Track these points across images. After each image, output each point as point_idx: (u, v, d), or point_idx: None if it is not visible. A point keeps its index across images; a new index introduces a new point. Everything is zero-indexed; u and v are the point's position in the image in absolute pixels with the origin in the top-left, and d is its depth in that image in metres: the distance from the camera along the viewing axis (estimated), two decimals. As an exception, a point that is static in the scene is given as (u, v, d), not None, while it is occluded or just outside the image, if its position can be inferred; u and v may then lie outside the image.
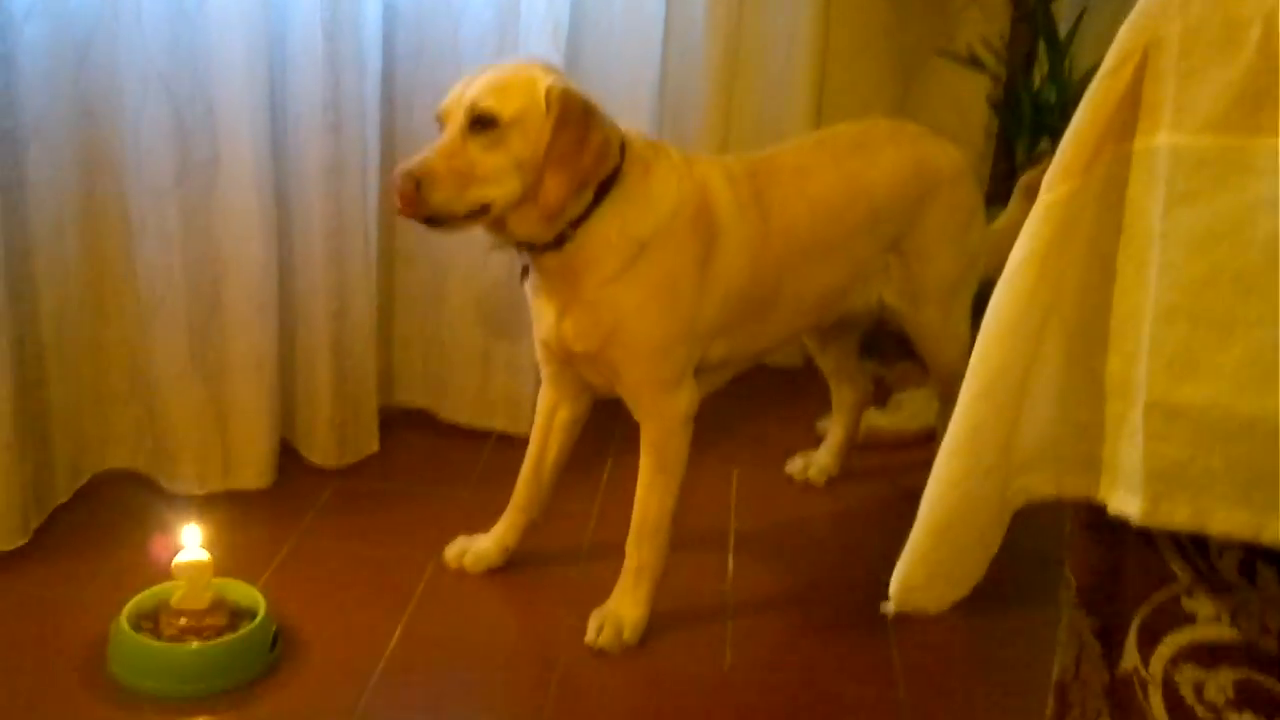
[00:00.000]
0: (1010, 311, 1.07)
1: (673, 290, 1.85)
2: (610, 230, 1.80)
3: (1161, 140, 1.02)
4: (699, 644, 1.95)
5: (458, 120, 1.73)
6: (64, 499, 2.20)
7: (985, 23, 3.07)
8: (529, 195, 1.74)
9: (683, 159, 1.91)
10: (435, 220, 1.72)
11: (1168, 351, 1.01)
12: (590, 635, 1.91)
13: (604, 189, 1.80)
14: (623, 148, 1.82)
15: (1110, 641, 1.15)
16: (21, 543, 2.05)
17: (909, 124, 2.22)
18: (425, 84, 2.45)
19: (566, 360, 1.94)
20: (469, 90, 1.74)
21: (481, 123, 1.72)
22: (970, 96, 3.09)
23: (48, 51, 2.02)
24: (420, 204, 1.69)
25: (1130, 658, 1.14)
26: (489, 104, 1.72)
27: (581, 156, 1.73)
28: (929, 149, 2.17)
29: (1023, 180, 2.34)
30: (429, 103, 2.43)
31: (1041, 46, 2.96)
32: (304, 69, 2.22)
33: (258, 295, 2.25)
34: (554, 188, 1.71)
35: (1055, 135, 2.86)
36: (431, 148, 1.73)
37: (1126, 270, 1.06)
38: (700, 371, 1.96)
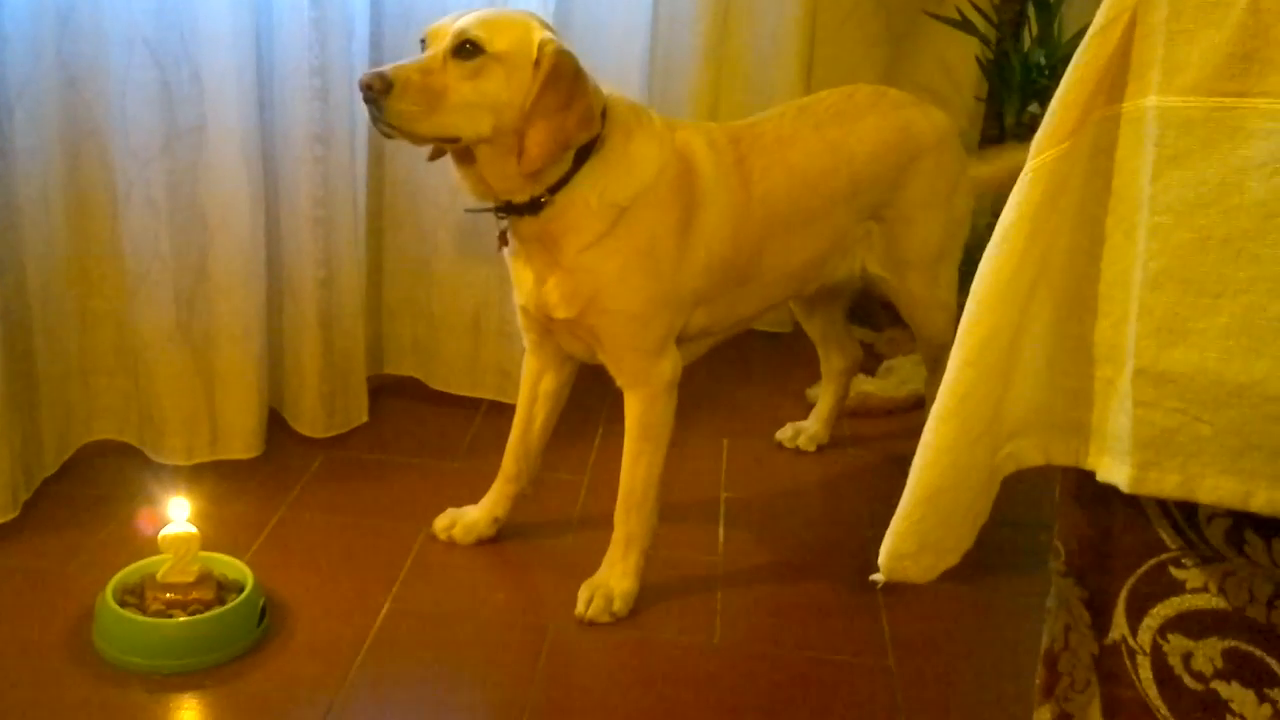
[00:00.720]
0: (998, 276, 1.05)
1: (653, 256, 1.83)
2: (590, 196, 1.79)
3: (1150, 102, 1.01)
4: (689, 615, 1.95)
5: (443, 42, 1.70)
6: (51, 471, 2.19)
7: (974, -16, 3.05)
8: (504, 142, 1.72)
9: (664, 124, 1.89)
10: (392, 128, 1.68)
11: (1156, 317, 1.00)
12: (580, 607, 1.91)
13: (583, 155, 1.78)
14: (604, 113, 1.80)
15: (1099, 611, 1.15)
16: (10, 516, 2.03)
17: (891, 90, 2.19)
18: (413, 48, 2.41)
19: (546, 327, 1.94)
20: (463, 18, 1.72)
21: (466, 49, 1.69)
22: (959, 59, 3.07)
23: (30, 16, 1.99)
24: (380, 108, 1.65)
25: (1119, 627, 1.13)
26: (478, 32, 1.69)
27: (567, 117, 1.71)
28: (912, 115, 2.15)
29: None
30: (416, 69, 2.43)
31: (1031, 8, 2.93)
32: (291, 34, 2.19)
33: (245, 264, 2.23)
34: (536, 142, 1.69)
35: (1045, 98, 2.85)
36: (409, 60, 1.70)
37: (1115, 234, 1.05)
38: (681, 340, 1.95)
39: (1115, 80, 1.03)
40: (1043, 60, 2.85)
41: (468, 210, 1.90)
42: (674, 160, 1.85)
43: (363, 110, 2.29)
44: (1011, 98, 2.90)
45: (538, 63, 1.71)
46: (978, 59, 3.00)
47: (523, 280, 1.89)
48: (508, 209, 1.81)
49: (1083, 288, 1.08)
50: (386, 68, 1.68)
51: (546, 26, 1.78)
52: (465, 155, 1.77)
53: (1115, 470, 1.05)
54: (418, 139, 1.73)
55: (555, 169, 1.76)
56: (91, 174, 2.14)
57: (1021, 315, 1.08)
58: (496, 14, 1.77)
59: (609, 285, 1.82)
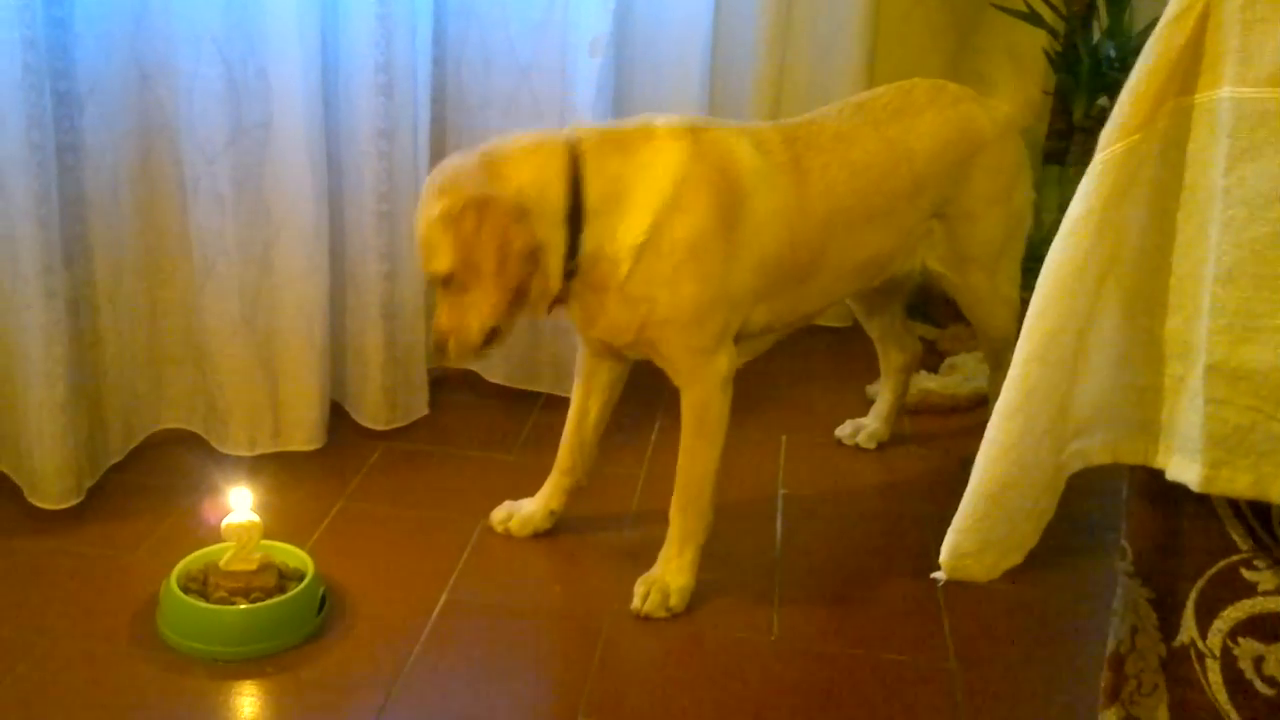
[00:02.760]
0: (1066, 271, 1.04)
1: (698, 261, 1.82)
2: (605, 246, 1.79)
3: (1224, 93, 0.99)
4: (746, 611, 1.93)
5: (435, 283, 1.81)
6: (117, 459, 2.23)
7: (1042, -25, 3.00)
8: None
9: (678, 132, 1.84)
10: (467, 358, 1.86)
11: (1229, 312, 0.97)
12: (636, 602, 1.90)
13: (577, 215, 1.77)
14: (577, 180, 1.78)
15: (1167, 613, 1.12)
16: (75, 502, 2.08)
17: (950, 85, 2.16)
18: (475, 43, 2.44)
19: (605, 347, 1.96)
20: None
21: (443, 280, 1.78)
22: (1027, 51, 3.01)
23: (104, 14, 2.03)
24: (453, 360, 1.84)
25: (1188, 630, 1.11)
26: (432, 267, 1.78)
27: (497, 272, 1.73)
28: (971, 110, 2.12)
29: None
30: (478, 64, 2.45)
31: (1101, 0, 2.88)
32: (356, 30, 2.21)
33: (309, 258, 2.26)
34: (482, 311, 1.76)
35: (1114, 92, 2.79)
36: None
37: (1187, 228, 1.03)
38: (743, 337, 1.94)
39: (1188, 71, 1.01)
40: (1112, 52, 2.79)
41: None
42: (697, 163, 1.82)
43: (426, 106, 2.34)
44: (1080, 91, 2.85)
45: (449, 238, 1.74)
46: (1045, 51, 2.95)
47: (572, 314, 1.92)
48: None
49: (1153, 282, 1.06)
50: (433, 327, 1.83)
51: (442, 190, 1.75)
52: None
53: (1186, 469, 1.03)
54: (476, 352, 1.83)
55: (554, 251, 1.77)
56: (160, 168, 2.18)
57: (1089, 310, 1.06)
58: (421, 229, 1.78)
59: (659, 302, 1.82)
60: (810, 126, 2.02)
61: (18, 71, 1.86)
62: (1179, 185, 1.03)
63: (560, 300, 1.87)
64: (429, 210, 1.76)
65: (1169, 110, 1.02)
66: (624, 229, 1.79)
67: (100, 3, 2.01)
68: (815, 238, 1.95)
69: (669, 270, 1.81)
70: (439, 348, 1.82)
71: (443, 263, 1.75)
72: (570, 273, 1.81)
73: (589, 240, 1.79)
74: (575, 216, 1.78)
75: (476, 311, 1.76)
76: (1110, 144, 1.02)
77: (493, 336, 1.80)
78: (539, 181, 1.76)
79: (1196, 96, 1.01)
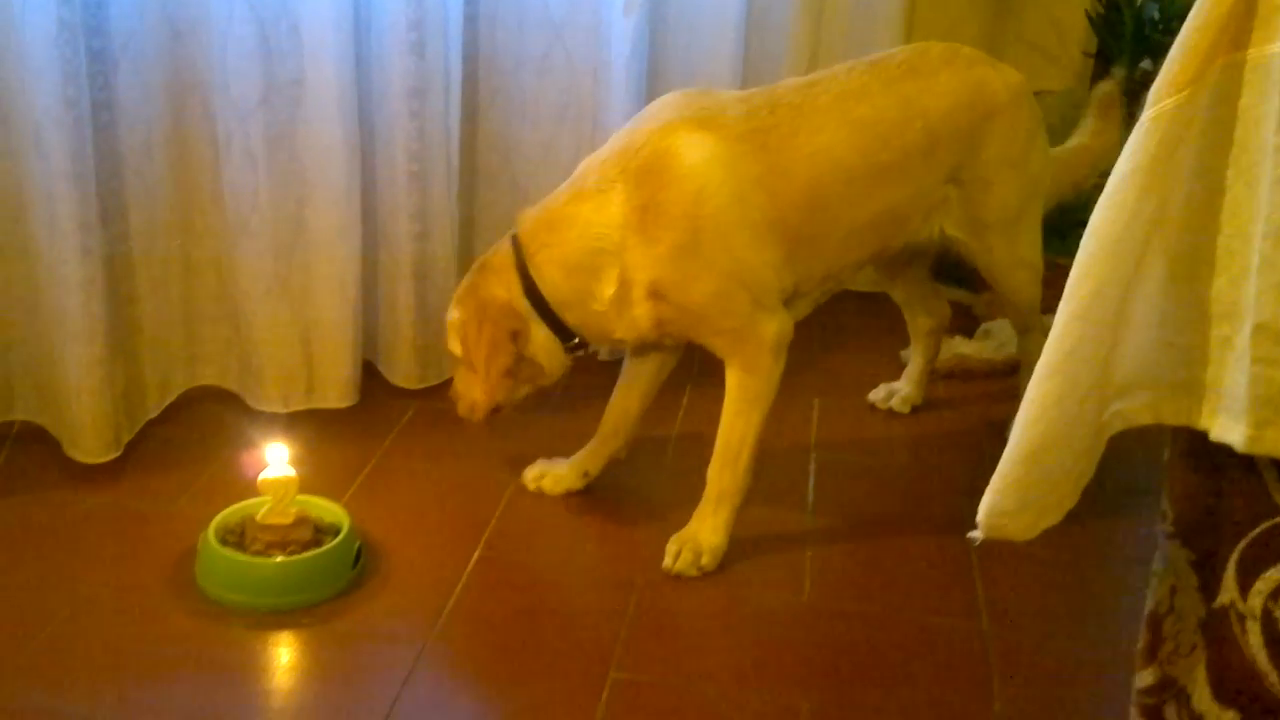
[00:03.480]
0: (1110, 230, 1.02)
1: (682, 269, 1.83)
2: (587, 311, 1.89)
3: (1276, 49, 0.96)
4: (778, 572, 1.94)
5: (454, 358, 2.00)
6: (154, 414, 2.26)
7: (1085, -63, 2.95)
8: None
9: (609, 174, 1.86)
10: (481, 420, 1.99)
11: (1278, 271, 0.96)
12: (668, 560, 1.91)
13: (537, 297, 1.90)
14: (516, 244, 1.91)
15: (1208, 574, 1.12)
16: (113, 456, 2.10)
17: (963, 48, 2.14)
18: (508, 2, 2.42)
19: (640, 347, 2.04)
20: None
21: (458, 360, 1.98)
22: (1068, 14, 2.97)
23: (135, -29, 2.03)
24: (468, 419, 2.00)
25: (1228, 591, 1.10)
26: (452, 349, 1.98)
27: (481, 354, 1.91)
28: (985, 73, 2.10)
29: (1096, 92, 2.25)
30: (511, 22, 2.43)
31: (1144, -40, 2.84)
32: (388, -13, 2.20)
33: (341, 216, 2.26)
34: (484, 390, 1.94)
35: (1157, 54, 2.75)
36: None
37: (1236, 186, 1.02)
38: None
39: (1240, 26, 0.99)
40: (1156, 15, 2.75)
41: None
42: (636, 192, 1.83)
43: (457, 65, 2.33)
44: (1123, 54, 2.80)
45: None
46: (1087, 13, 2.90)
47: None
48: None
49: (1200, 241, 1.04)
50: (454, 394, 2.03)
51: (455, 302, 1.96)
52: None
53: (1230, 429, 1.02)
54: (484, 418, 1.98)
55: (538, 342, 1.92)
56: (194, 126, 2.18)
57: (1134, 269, 1.04)
58: (450, 319, 1.97)
59: (666, 306, 1.86)
60: (808, 89, 1.99)
61: (53, 27, 1.87)
62: (1229, 143, 1.02)
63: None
64: (449, 313, 1.98)
65: (1220, 66, 1.00)
66: (594, 295, 1.87)
67: (133, -41, 2.02)
68: (804, 198, 1.92)
69: (662, 287, 1.84)
70: (459, 411, 2.01)
71: (455, 348, 1.96)
72: (578, 345, 1.96)
73: (570, 316, 1.91)
74: (544, 305, 1.90)
75: (481, 389, 1.94)
76: (1159, 100, 1.01)
77: (497, 409, 1.97)
78: (507, 293, 1.91)
79: (1249, 52, 0.99)
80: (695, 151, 1.85)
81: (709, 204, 1.84)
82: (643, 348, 2.06)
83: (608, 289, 1.86)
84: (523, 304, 1.90)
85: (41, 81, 1.89)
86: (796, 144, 1.91)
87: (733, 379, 1.91)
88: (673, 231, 1.82)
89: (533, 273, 1.89)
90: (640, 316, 1.87)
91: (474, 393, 1.95)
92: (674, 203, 1.83)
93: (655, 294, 1.85)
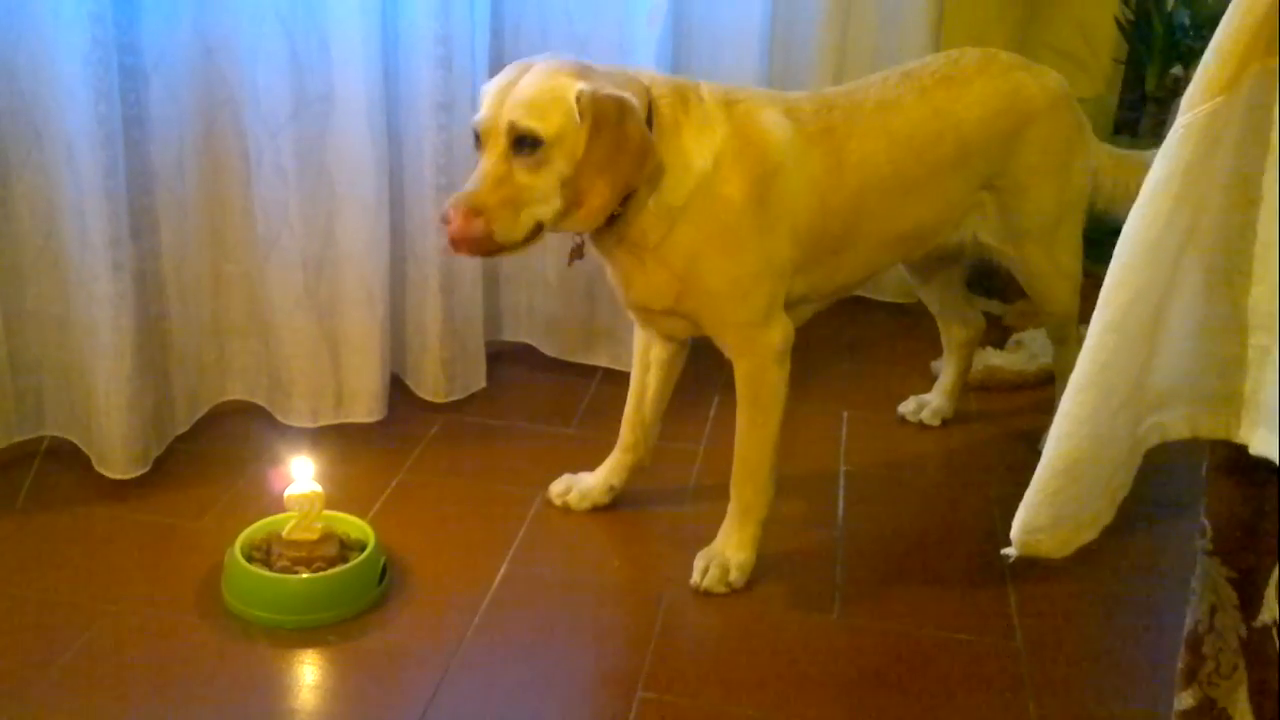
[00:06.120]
0: (1144, 238, 1.00)
1: (734, 233, 1.79)
2: (646, 198, 1.75)
3: (1312, 55, 0.94)
4: (808, 588, 1.92)
5: (499, 143, 1.67)
6: (183, 429, 2.26)
7: (1113, -60, 2.93)
8: (572, 203, 1.69)
9: (720, 102, 1.81)
10: (497, 251, 1.69)
11: (1319, 281, 0.94)
12: (696, 576, 1.89)
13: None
14: (650, 110, 1.74)
15: (1248, 592, 1.09)
16: (142, 471, 2.11)
17: (1001, 53, 2.12)
18: (532, 14, 2.43)
19: (647, 314, 1.92)
20: (506, 109, 1.67)
21: (525, 144, 1.66)
22: (1098, 20, 2.94)
23: (167, -11, 2.04)
24: (485, 241, 1.65)
25: (1270, 609, 1.08)
26: (530, 124, 1.65)
27: (620, 160, 1.66)
28: (1022, 79, 2.07)
29: None
30: (536, 35, 2.43)
31: (1175, -38, 2.81)
32: (415, 2, 2.21)
33: (370, 231, 2.26)
34: (597, 195, 1.67)
35: (1189, 60, 2.72)
36: (476, 176, 1.68)
37: (1272, 194, 0.99)
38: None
39: (1273, 32, 0.97)
40: (1187, 20, 2.72)
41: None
42: (734, 138, 1.79)
43: (484, 77, 2.33)
44: (1153, 60, 2.77)
45: (581, 117, 1.67)
46: (1116, 19, 2.87)
47: (613, 276, 1.89)
48: None
49: (1236, 250, 1.02)
50: (464, 199, 1.65)
51: (577, 69, 1.71)
52: None
53: (1270, 443, 1.00)
54: (512, 247, 1.69)
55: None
56: (224, 141, 2.19)
57: (1169, 279, 1.03)
58: (536, 92, 1.67)
59: (695, 269, 1.79)
60: (852, 95, 1.98)
61: (85, 45, 1.88)
62: (1264, 150, 1.00)
63: (579, 255, 1.85)
64: (558, 80, 1.68)
65: (1255, 73, 0.98)
66: (668, 188, 1.76)
67: (165, -24, 2.03)
68: (848, 207, 1.91)
69: (704, 241, 1.78)
70: (466, 221, 1.64)
71: (548, 126, 1.65)
72: (613, 217, 1.75)
73: (640, 189, 1.74)
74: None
75: (544, 199, 1.67)
76: (1193, 107, 0.99)
77: (536, 233, 1.70)
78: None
79: (1284, 58, 0.97)
80: (782, 134, 1.83)
81: (782, 189, 1.82)
82: (645, 322, 1.98)
83: (680, 190, 1.75)
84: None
85: (74, 99, 1.90)
86: (849, 149, 1.90)
87: (741, 390, 1.89)
88: (744, 193, 1.78)
89: (655, 121, 1.74)
90: (662, 281, 1.81)
91: (524, 197, 1.66)
92: (758, 165, 1.80)
93: (689, 261, 1.78)
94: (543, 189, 1.67)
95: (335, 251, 2.27)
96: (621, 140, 1.66)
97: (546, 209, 1.68)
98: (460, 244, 1.66)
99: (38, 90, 1.95)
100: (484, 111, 1.70)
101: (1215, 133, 0.99)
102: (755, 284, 1.83)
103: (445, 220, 1.66)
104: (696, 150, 1.77)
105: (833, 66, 2.74)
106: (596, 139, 1.66)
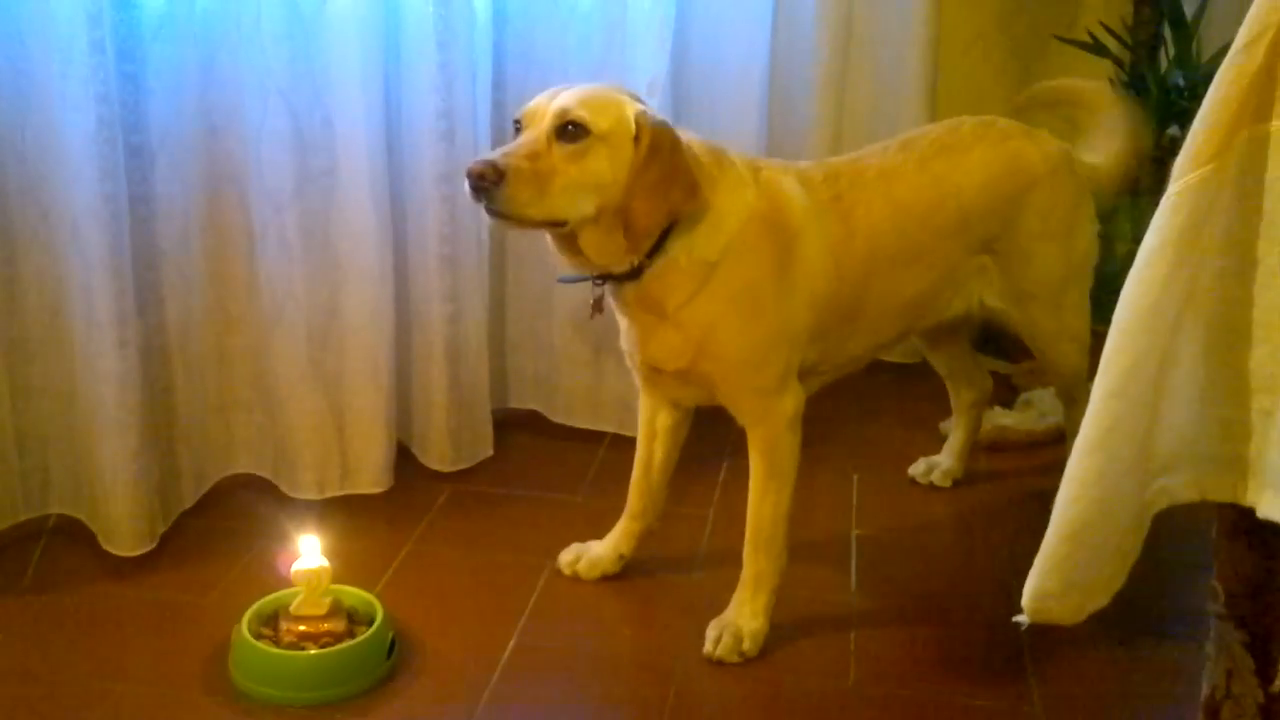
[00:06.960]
0: (1142, 304, 1.01)
1: (755, 299, 1.80)
2: (680, 255, 1.75)
3: (1301, 120, 0.95)
4: (822, 656, 1.90)
5: (545, 123, 1.68)
6: (189, 504, 2.26)
7: (1106, 5, 2.97)
8: (607, 219, 1.69)
9: (747, 166, 1.84)
10: (503, 216, 1.66)
11: (1319, 343, 0.94)
12: (709, 646, 1.87)
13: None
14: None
15: (1264, 656, 1.08)
16: (149, 548, 2.09)
17: (1000, 120, 2.13)
18: (535, 88, 2.42)
19: (657, 377, 1.92)
20: (559, 98, 1.70)
21: (571, 130, 1.66)
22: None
23: (174, 69, 2.07)
24: (493, 196, 1.62)
25: (1286, 674, 1.06)
26: (581, 113, 1.66)
27: (671, 190, 1.68)
28: (1021, 145, 2.08)
29: (1091, 96, 2.25)
30: (538, 108, 2.45)
31: (1167, 28, 2.83)
32: (418, 78, 2.24)
33: (375, 302, 2.28)
34: (644, 215, 1.67)
35: (1184, 120, 2.74)
36: (513, 145, 1.68)
37: (1268, 258, 1.00)
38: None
39: (1261, 98, 0.98)
40: (1181, 81, 2.74)
41: (561, 280, 1.92)
42: (760, 203, 1.80)
43: (487, 150, 2.35)
44: (1148, 121, 2.79)
45: (637, 138, 1.68)
46: (1110, 81, 2.90)
47: (629, 334, 1.88)
48: (606, 278, 1.79)
49: (1234, 315, 1.03)
50: (496, 156, 1.65)
51: (636, 99, 1.76)
52: (568, 235, 1.74)
53: (1276, 506, 0.99)
54: (527, 224, 1.68)
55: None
56: (229, 217, 2.21)
57: (1168, 344, 1.03)
58: (593, 91, 1.71)
59: (714, 334, 1.79)
60: (855, 164, 2.00)
61: (91, 126, 1.90)
62: (1258, 215, 1.01)
63: (599, 310, 1.85)
64: (617, 95, 1.71)
65: (1244, 139, 0.99)
66: (703, 238, 1.76)
67: (170, 58, 2.06)
68: (860, 272, 1.92)
69: (727, 301, 1.79)
70: (493, 172, 1.61)
71: (599, 121, 1.66)
72: (639, 269, 1.75)
73: (673, 242, 1.75)
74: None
75: (575, 193, 1.65)
76: (1183, 175, 1.00)
77: (550, 225, 1.69)
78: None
79: (1272, 124, 0.98)
80: (801, 201, 1.86)
81: (802, 255, 1.83)
82: (653, 384, 1.97)
83: (714, 246, 1.75)
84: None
85: (80, 177, 1.92)
86: (857, 215, 1.91)
87: (755, 458, 1.89)
88: (768, 258, 1.79)
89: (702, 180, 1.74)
90: (679, 341, 1.80)
91: (558, 180, 1.64)
92: (781, 231, 1.81)
93: (709, 324, 1.78)
94: (577, 181, 1.66)
95: (340, 324, 2.28)
96: (675, 169, 1.69)
97: (573, 205, 1.67)
98: (474, 192, 1.63)
99: (44, 169, 1.97)
100: (532, 103, 1.73)
101: (1208, 199, 1.00)
102: (773, 350, 1.84)
103: (470, 171, 1.64)
104: (731, 208, 1.78)
105: (830, 132, 2.77)
106: (653, 161, 1.67)
